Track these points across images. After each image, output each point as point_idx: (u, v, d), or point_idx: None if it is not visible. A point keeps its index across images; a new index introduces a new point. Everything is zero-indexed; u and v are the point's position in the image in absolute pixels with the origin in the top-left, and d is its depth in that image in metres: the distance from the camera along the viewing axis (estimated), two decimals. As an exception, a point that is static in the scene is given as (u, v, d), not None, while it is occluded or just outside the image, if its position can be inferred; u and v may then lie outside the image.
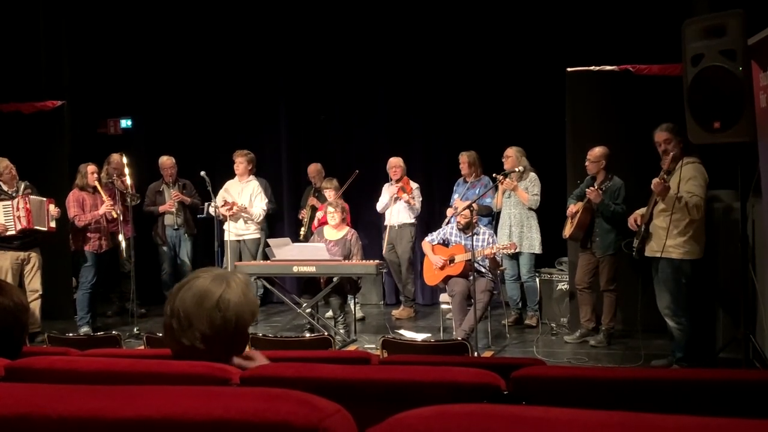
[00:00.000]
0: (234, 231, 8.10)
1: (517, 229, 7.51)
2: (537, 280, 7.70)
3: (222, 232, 8.11)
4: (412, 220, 8.31)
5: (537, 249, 7.53)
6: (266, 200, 8.42)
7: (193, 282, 2.13)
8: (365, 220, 8.95)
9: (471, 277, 6.38)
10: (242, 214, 8.14)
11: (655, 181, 5.46)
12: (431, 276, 6.99)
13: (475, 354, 5.57)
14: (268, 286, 7.28)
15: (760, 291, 5.20)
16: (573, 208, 6.77)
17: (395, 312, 8.45)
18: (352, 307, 7.49)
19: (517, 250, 7.28)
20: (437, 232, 7.19)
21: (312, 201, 8.66)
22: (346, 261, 6.91)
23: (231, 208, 7.96)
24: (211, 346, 2.08)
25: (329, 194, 8.12)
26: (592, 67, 7.17)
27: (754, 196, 5.20)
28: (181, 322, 2.09)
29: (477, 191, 7.87)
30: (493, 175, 7.30)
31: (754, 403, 1.85)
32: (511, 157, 7.55)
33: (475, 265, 6.41)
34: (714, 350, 5.77)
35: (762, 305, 5.19)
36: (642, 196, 5.96)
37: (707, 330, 5.97)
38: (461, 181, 8.18)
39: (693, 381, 1.98)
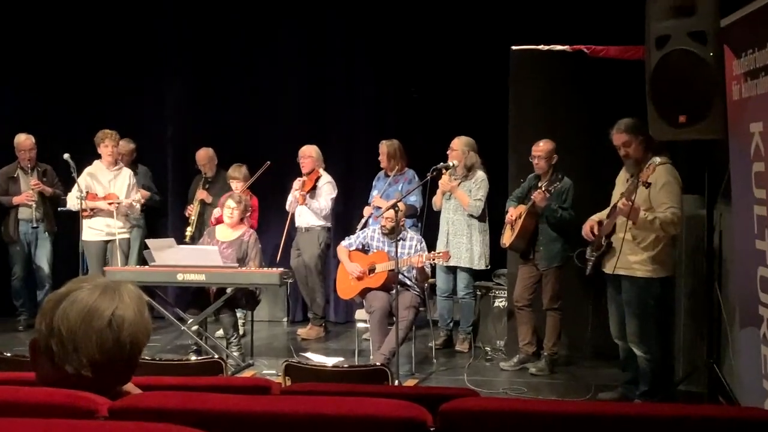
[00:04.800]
0: (101, 229, 7.83)
1: (456, 239, 7.53)
2: (474, 298, 7.80)
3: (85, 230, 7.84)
4: (322, 222, 8.28)
5: (477, 264, 7.54)
6: (142, 192, 8.24)
7: (76, 294, 2.06)
8: (275, 220, 8.89)
9: (394, 291, 6.41)
10: (126, 211, 7.91)
11: (622, 201, 5.42)
12: (346, 288, 6.99)
13: (397, 382, 5.59)
14: (146, 297, 7.11)
15: (726, 314, 5.35)
16: (513, 212, 6.86)
17: (301, 331, 8.41)
18: (249, 324, 7.41)
19: (451, 263, 7.32)
20: (356, 235, 7.20)
21: (201, 194, 8.53)
22: (244, 269, 6.83)
23: (112, 203, 7.71)
24: (100, 374, 2.04)
25: (236, 185, 8.02)
26: (540, 46, 7.26)
27: (723, 202, 5.34)
28: (65, 344, 2.02)
29: (400, 187, 7.93)
30: (432, 171, 7.39)
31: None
32: (457, 150, 7.51)
33: (400, 276, 6.43)
34: (672, 382, 5.94)
35: (729, 331, 5.35)
36: (595, 200, 6.07)
37: (665, 359, 6.11)
38: (381, 175, 8.22)
39: (649, 418, 2.03)
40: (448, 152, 7.55)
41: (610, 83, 6.83)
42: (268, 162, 8.18)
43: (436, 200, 7.71)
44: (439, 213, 7.71)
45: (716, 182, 5.12)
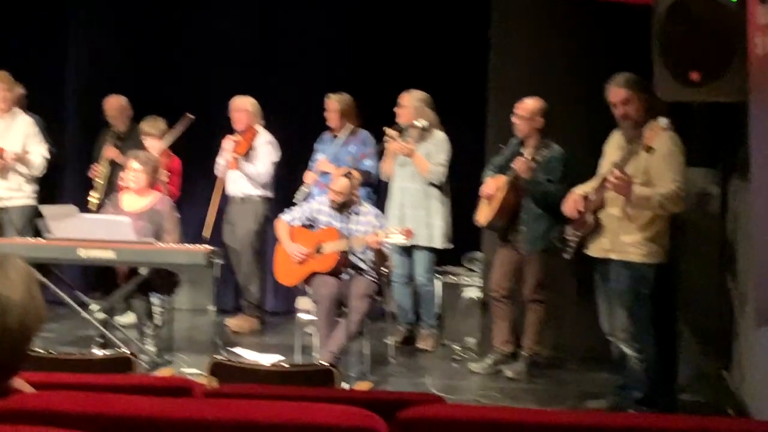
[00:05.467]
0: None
1: (412, 212, 7.56)
2: (437, 284, 7.85)
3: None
4: (262, 192, 8.25)
5: (438, 242, 7.61)
6: (46, 144, 8.14)
7: None
8: (203, 188, 8.82)
9: (346, 276, 6.41)
10: (15, 165, 7.80)
11: (615, 174, 5.43)
12: (287, 272, 6.99)
13: (347, 386, 5.61)
14: (41, 277, 7.06)
15: (739, 311, 5.43)
16: (492, 184, 6.87)
17: (232, 322, 8.41)
18: (168, 313, 7.40)
19: (411, 241, 7.35)
20: (299, 207, 7.17)
21: (110, 152, 8.44)
22: (162, 245, 6.80)
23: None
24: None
25: (150, 143, 7.96)
26: (529, -12, 7.32)
27: (739, 178, 5.41)
28: None
29: (353, 150, 7.94)
30: (385, 129, 7.37)
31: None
32: (408, 107, 7.57)
33: (353, 258, 6.43)
34: (673, 389, 6.01)
35: (742, 330, 5.43)
36: (590, 173, 6.09)
37: (666, 362, 6.20)
38: (326, 136, 8.21)
39: (644, 431, 2.06)
40: (396, 109, 7.60)
41: (611, 33, 6.85)
42: (190, 116, 8.12)
43: (386, 167, 7.74)
44: (387, 185, 7.75)
45: (732, 154, 5.17)
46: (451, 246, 7.72)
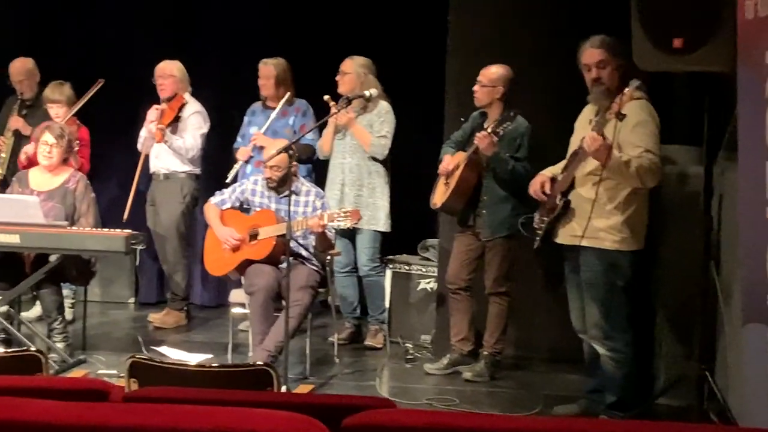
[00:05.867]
0: None
1: (354, 191, 7.57)
2: (385, 274, 7.86)
3: None
4: (189, 167, 8.21)
5: (383, 225, 7.63)
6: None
7: None
8: (122, 164, 8.76)
9: (284, 265, 6.40)
10: None
11: (591, 135, 5.44)
12: (218, 260, 6.96)
13: (285, 388, 5.60)
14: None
15: (724, 305, 5.48)
16: (450, 161, 6.88)
17: (155, 317, 8.37)
18: (81, 306, 7.35)
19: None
20: (231, 189, 7.14)
21: (15, 122, 8.35)
22: (75, 229, 6.74)
23: None
24: None
25: (56, 111, 7.90)
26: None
27: (726, 157, 5.46)
28: None
29: (291, 122, 7.95)
30: (325, 98, 7.34)
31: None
32: (351, 74, 7.56)
33: (293, 244, 6.41)
34: (651, 392, 6.09)
35: (727, 327, 5.48)
36: (560, 150, 6.12)
37: (643, 363, 6.26)
38: (258, 107, 8.20)
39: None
40: (337, 77, 7.60)
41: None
42: (101, 80, 8.07)
43: (324, 142, 7.73)
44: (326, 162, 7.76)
45: (718, 129, 5.21)
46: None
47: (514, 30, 7.24)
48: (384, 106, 7.62)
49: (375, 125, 7.54)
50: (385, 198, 7.62)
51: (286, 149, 6.37)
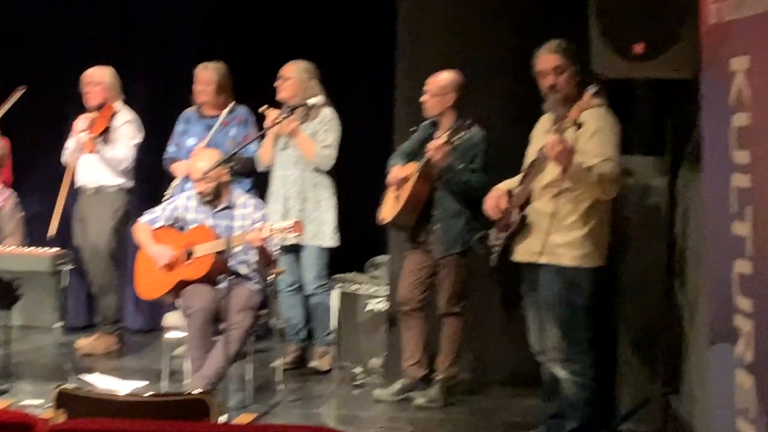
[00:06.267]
0: None
1: (298, 205, 7.56)
2: (333, 294, 7.88)
3: None
4: (120, 180, 8.18)
5: (329, 240, 7.65)
6: None
7: None
8: (47, 176, 8.72)
9: (223, 284, 6.41)
10: None
11: (553, 139, 5.43)
12: (151, 282, 6.94)
13: (225, 418, 5.60)
14: None
15: (689, 324, 5.55)
16: (399, 173, 6.90)
17: (84, 343, 8.32)
18: (3, 332, 7.29)
19: (292, 239, 7.30)
20: (162, 206, 7.12)
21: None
22: (-2, 248, 6.74)
23: None
24: None
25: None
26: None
27: (689, 168, 5.52)
28: None
29: (234, 133, 7.95)
30: (261, 111, 7.39)
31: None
32: (292, 79, 7.57)
33: (232, 262, 6.42)
34: (614, 417, 6.13)
35: (693, 347, 5.55)
36: (518, 160, 6.15)
37: (605, 386, 6.24)
38: (192, 114, 8.16)
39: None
40: (277, 84, 7.60)
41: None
42: (21, 87, 8.03)
43: (264, 152, 7.72)
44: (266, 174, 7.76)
45: (681, 140, 5.28)
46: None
47: (468, 33, 7.28)
48: (328, 113, 7.63)
49: (319, 134, 7.55)
50: (332, 211, 7.63)
51: (226, 161, 6.39)
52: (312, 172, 7.60)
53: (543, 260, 5.73)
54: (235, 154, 6.73)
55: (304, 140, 7.52)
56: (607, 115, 5.66)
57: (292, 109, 7.20)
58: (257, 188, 7.91)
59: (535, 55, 5.81)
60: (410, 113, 7.24)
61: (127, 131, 8.17)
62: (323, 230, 7.61)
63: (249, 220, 6.84)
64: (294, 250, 7.63)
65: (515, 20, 7.12)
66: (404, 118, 7.36)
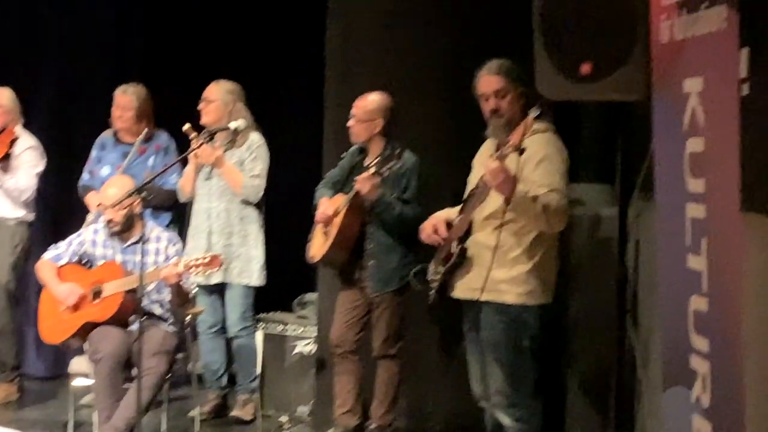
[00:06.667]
0: None
1: (222, 240, 7.52)
2: (257, 336, 7.85)
3: None
4: (20, 213, 8.12)
5: (256, 279, 7.62)
6: None
7: None
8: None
9: (135, 326, 6.35)
10: None
11: (494, 167, 5.34)
12: (55, 325, 6.87)
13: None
14: None
15: (642, 366, 5.56)
16: (328, 206, 6.87)
17: (-23, 391, 8.22)
18: None
19: (217, 278, 7.33)
20: (67, 241, 7.06)
21: None
22: None
23: None
24: None
25: None
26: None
27: (642, 197, 5.54)
28: None
29: (152, 162, 7.92)
30: (185, 129, 7.35)
31: None
32: (216, 101, 7.56)
33: (145, 301, 6.37)
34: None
35: (646, 391, 5.55)
36: (455, 189, 6.17)
37: (551, 430, 6.32)
38: (108, 140, 8.15)
39: None
40: (200, 106, 7.58)
41: (482, 14, 6.95)
42: None
43: (185, 183, 7.68)
44: (186, 205, 7.73)
45: (633, 166, 5.30)
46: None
47: (401, 50, 7.25)
48: (255, 139, 7.60)
49: (246, 162, 7.51)
50: (260, 247, 7.60)
51: (139, 190, 6.34)
52: (239, 204, 7.55)
53: (485, 297, 5.67)
54: (149, 182, 6.64)
55: (230, 170, 7.46)
56: (554, 141, 5.66)
57: (212, 134, 7.16)
58: (179, 222, 7.87)
59: (476, 77, 5.79)
60: (338, 137, 7.22)
61: (29, 158, 8.11)
62: (250, 267, 7.56)
63: (163, 255, 6.81)
64: (216, 288, 7.59)
65: (454, 39, 7.09)
66: (333, 143, 7.35)
